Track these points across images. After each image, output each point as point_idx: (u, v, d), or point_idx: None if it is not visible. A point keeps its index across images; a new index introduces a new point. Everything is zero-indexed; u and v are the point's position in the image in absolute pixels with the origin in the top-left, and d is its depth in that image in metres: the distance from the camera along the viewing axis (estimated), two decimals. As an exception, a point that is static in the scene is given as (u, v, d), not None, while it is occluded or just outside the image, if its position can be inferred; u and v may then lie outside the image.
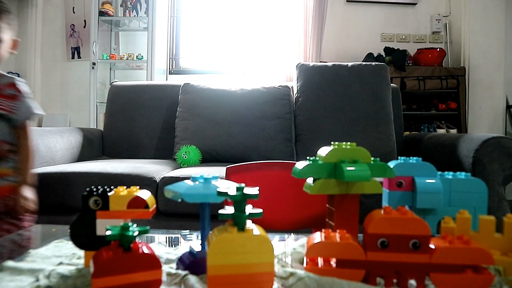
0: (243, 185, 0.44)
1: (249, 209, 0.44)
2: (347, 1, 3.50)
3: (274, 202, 0.94)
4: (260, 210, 0.43)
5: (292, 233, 0.75)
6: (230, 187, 0.46)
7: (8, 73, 1.30)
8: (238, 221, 0.43)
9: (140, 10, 3.43)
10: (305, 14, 3.33)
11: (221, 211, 0.43)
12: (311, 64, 2.21)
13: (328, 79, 2.11)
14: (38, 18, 3.60)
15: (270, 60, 3.34)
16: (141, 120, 2.16)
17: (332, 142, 0.57)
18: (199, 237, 0.56)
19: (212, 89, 2.10)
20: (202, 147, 1.92)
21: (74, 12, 3.63)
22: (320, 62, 3.07)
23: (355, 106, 2.05)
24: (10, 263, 0.62)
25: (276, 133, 1.99)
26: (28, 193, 1.19)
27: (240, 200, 0.43)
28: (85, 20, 3.58)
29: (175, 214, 1.46)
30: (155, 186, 1.47)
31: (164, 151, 2.08)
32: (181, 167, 1.75)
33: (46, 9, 3.64)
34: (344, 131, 2.01)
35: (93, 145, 2.13)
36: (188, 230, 0.80)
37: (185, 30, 3.64)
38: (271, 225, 0.92)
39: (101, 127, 3.12)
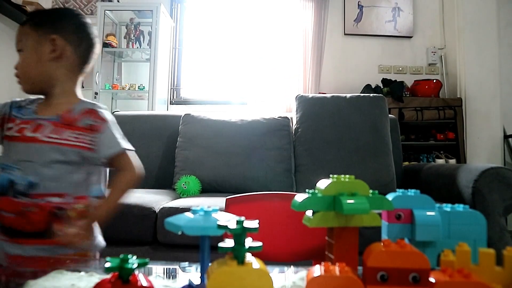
0: (243, 218, 0.44)
1: (248, 242, 0.44)
2: (345, 34, 3.60)
3: (273, 234, 0.94)
4: (259, 244, 0.44)
5: (291, 266, 0.74)
6: (230, 220, 0.47)
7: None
8: (237, 254, 0.43)
9: (143, 42, 3.52)
10: (304, 47, 3.42)
11: (221, 244, 0.44)
12: (310, 95, 2.26)
13: (327, 110, 2.14)
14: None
15: (270, 91, 3.40)
16: (142, 150, 2.15)
17: (330, 175, 0.58)
18: (198, 269, 0.55)
19: (212, 119, 2.12)
20: (202, 177, 1.92)
21: (78, 44, 3.71)
22: (319, 93, 3.12)
23: (354, 136, 2.07)
24: (7, 296, 0.61)
25: (276, 163, 2.00)
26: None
27: (240, 234, 0.43)
28: (88, 52, 3.67)
29: (174, 245, 1.45)
30: (154, 216, 1.47)
31: (164, 180, 2.08)
32: (180, 197, 1.75)
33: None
34: (344, 162, 2.02)
35: (93, 175, 2.13)
36: (187, 262, 0.79)
37: (186, 61, 3.72)
38: (271, 257, 0.91)
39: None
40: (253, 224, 0.44)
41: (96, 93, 3.27)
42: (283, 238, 0.96)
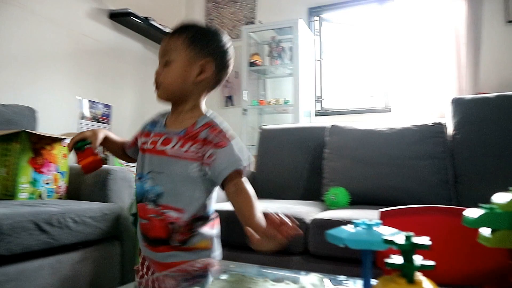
0: (411, 233, 0.42)
1: (418, 259, 0.42)
2: (508, 21, 3.11)
3: (435, 251, 0.87)
4: (432, 262, 0.41)
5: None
6: (396, 235, 0.45)
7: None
8: (407, 272, 0.41)
9: (285, 57, 3.67)
10: (456, 42, 3.09)
11: (388, 260, 0.43)
12: (469, 97, 2.02)
13: (491, 113, 1.88)
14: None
15: (418, 95, 3.15)
16: (289, 162, 2.26)
17: (510, 187, 0.51)
18: (357, 284, 0.55)
19: (359, 129, 2.08)
20: (351, 189, 1.89)
21: (228, 66, 4.09)
22: (478, 93, 2.77)
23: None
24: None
25: (430, 174, 1.84)
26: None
27: (409, 250, 0.41)
28: (236, 72, 4.00)
29: (325, 257, 1.45)
30: (304, 227, 1.50)
31: (312, 192, 2.11)
32: (329, 209, 1.75)
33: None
34: (514, 172, 1.74)
35: (246, 185, 2.29)
36: (344, 276, 0.79)
37: (329, 72, 3.74)
38: (434, 278, 0.84)
39: (251, 168, 3.36)
40: (423, 240, 0.42)
41: (245, 110, 3.54)
42: (446, 257, 0.88)
